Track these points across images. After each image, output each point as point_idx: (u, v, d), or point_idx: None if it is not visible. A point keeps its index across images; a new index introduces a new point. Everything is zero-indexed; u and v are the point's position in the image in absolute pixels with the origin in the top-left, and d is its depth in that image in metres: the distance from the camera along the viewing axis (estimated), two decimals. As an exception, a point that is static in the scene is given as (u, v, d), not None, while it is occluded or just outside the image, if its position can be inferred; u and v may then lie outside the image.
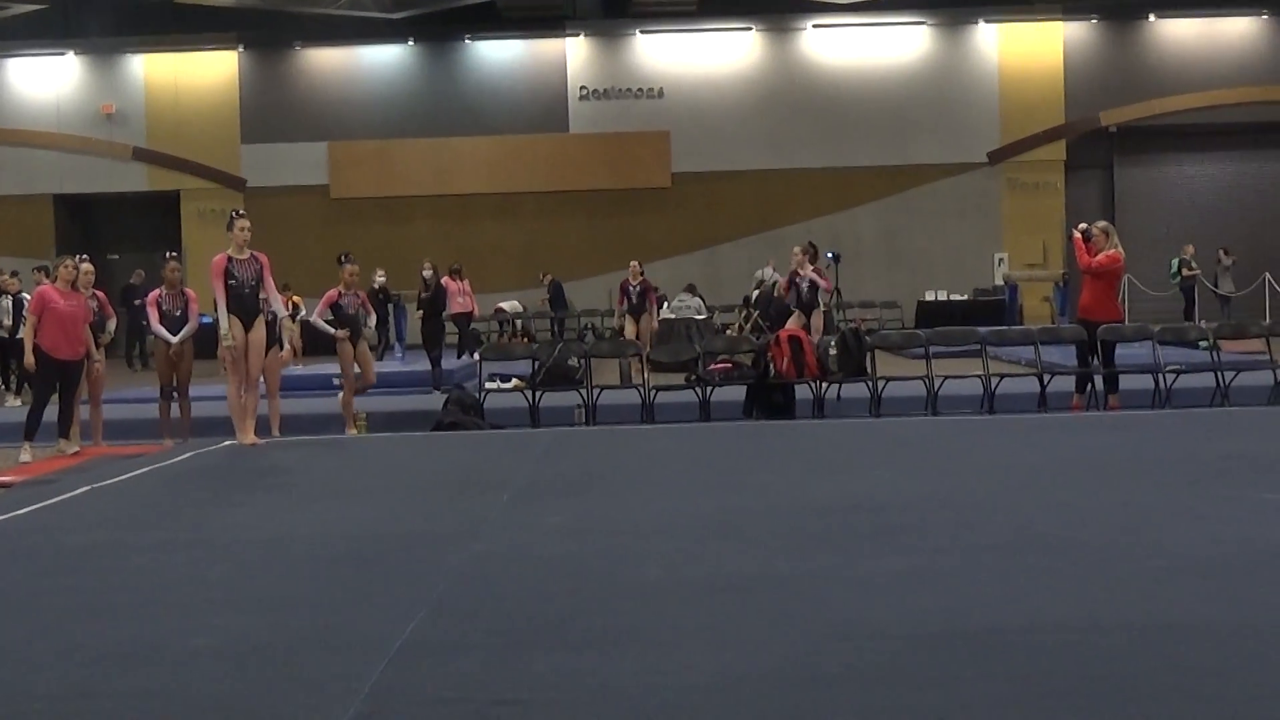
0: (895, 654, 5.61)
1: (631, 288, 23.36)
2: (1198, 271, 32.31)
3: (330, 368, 19.78)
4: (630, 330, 22.94)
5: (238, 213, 14.44)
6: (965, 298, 35.23)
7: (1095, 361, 16.54)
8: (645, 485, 10.76)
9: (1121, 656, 5.52)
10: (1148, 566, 7.16)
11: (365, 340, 16.73)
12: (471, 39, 37.34)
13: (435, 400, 18.23)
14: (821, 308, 18.08)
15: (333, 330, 16.44)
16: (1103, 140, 37.51)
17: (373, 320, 17.27)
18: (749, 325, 25.44)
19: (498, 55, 37.45)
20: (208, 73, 37.51)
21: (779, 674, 5.36)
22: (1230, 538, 7.85)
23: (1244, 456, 11.24)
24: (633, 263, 23.85)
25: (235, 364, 14.09)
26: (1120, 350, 17.04)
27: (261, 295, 14.33)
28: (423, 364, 22.72)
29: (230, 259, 14.05)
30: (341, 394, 16.54)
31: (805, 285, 18.02)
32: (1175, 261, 32.49)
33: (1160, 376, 16.68)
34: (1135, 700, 4.97)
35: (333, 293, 16.64)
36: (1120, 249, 16.41)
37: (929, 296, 35.41)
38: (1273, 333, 18.76)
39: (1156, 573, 7.01)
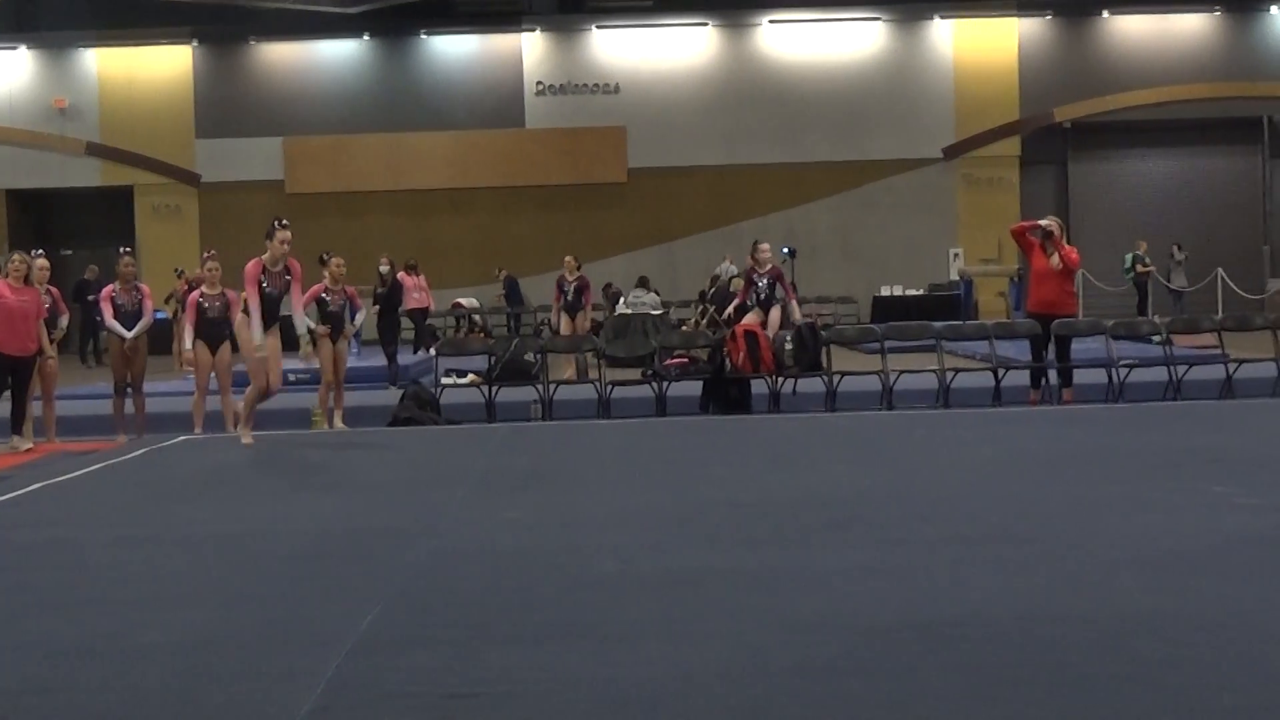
0: (849, 646, 5.65)
1: (567, 284, 22.90)
2: (1151, 267, 32.49)
3: (289, 365, 19.69)
4: (566, 328, 22.45)
5: (280, 223, 13.56)
6: (921, 293, 35.37)
7: (1049, 356, 16.64)
8: (602, 480, 10.77)
9: (1072, 646, 5.57)
10: (1100, 558, 7.22)
11: (344, 338, 16.71)
12: (427, 34, 37.27)
13: (391, 396, 18.21)
14: (778, 304, 18.06)
15: (314, 326, 16.36)
16: (1057, 136, 37.69)
17: (359, 318, 17.24)
18: (705, 320, 25.47)
19: (453, 50, 37.40)
20: (162, 67, 37.33)
21: (734, 666, 5.39)
22: (1181, 530, 7.92)
23: (1196, 450, 11.33)
24: (568, 258, 23.36)
25: (257, 371, 13.48)
26: (1074, 345, 17.14)
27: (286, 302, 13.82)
28: (379, 360, 22.68)
29: (265, 268, 13.30)
30: (319, 390, 16.54)
31: (764, 283, 18.03)
32: (1129, 257, 32.67)
33: (1114, 371, 16.79)
34: (1085, 689, 5.02)
35: (317, 287, 16.59)
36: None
37: (884, 291, 35.54)
38: (1224, 327, 18.90)
39: (1108, 564, 7.07)
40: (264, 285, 13.24)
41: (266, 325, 13.35)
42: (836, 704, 4.94)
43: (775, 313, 17.99)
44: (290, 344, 14.16)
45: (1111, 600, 6.34)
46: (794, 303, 18.45)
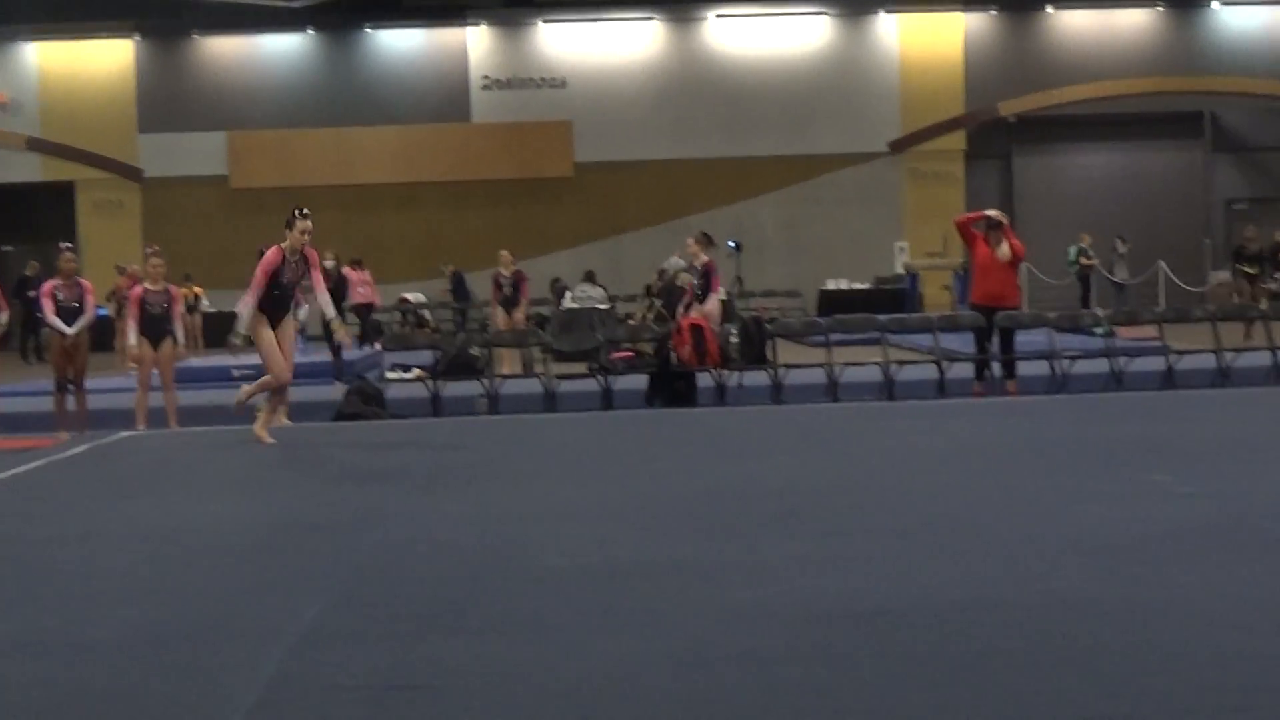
0: (791, 635, 5.68)
1: (504, 279, 22.66)
2: (1095, 260, 32.70)
3: (229, 359, 19.62)
4: (503, 323, 22.20)
5: (301, 212, 13.08)
6: (867, 286, 35.50)
7: (993, 348, 16.74)
8: (547, 473, 10.78)
9: (1012, 633, 5.63)
10: (1040, 547, 7.28)
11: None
12: (372, 28, 37.16)
13: (337, 391, 18.16)
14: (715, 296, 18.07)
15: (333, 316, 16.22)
16: (1002, 130, 37.90)
17: (303, 312, 17.15)
18: (651, 314, 25.49)
19: (399, 44, 37.30)
20: (103, 61, 37.09)
21: (676, 657, 5.41)
22: (1121, 519, 7.99)
23: (1136, 439, 11.42)
24: (503, 252, 23.06)
25: (273, 358, 13.04)
26: (1018, 337, 17.25)
27: (305, 288, 13.52)
28: (324, 355, 22.61)
29: (284, 257, 12.86)
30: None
31: (698, 274, 18.07)
32: (1073, 250, 32.87)
33: (1057, 363, 16.90)
34: (1022, 675, 5.07)
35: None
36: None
37: (831, 285, 35.66)
38: (1165, 319, 19.07)
39: (1049, 553, 7.13)
40: (282, 275, 12.85)
41: (282, 314, 13.01)
42: (777, 692, 4.97)
43: (711, 304, 18.03)
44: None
45: (1051, 588, 6.40)
46: (714, 295, 18.47)
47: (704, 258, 18.16)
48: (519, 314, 22.40)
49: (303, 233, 12.90)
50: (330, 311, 13.51)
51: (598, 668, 5.31)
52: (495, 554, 7.55)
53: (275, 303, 12.91)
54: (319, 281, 13.21)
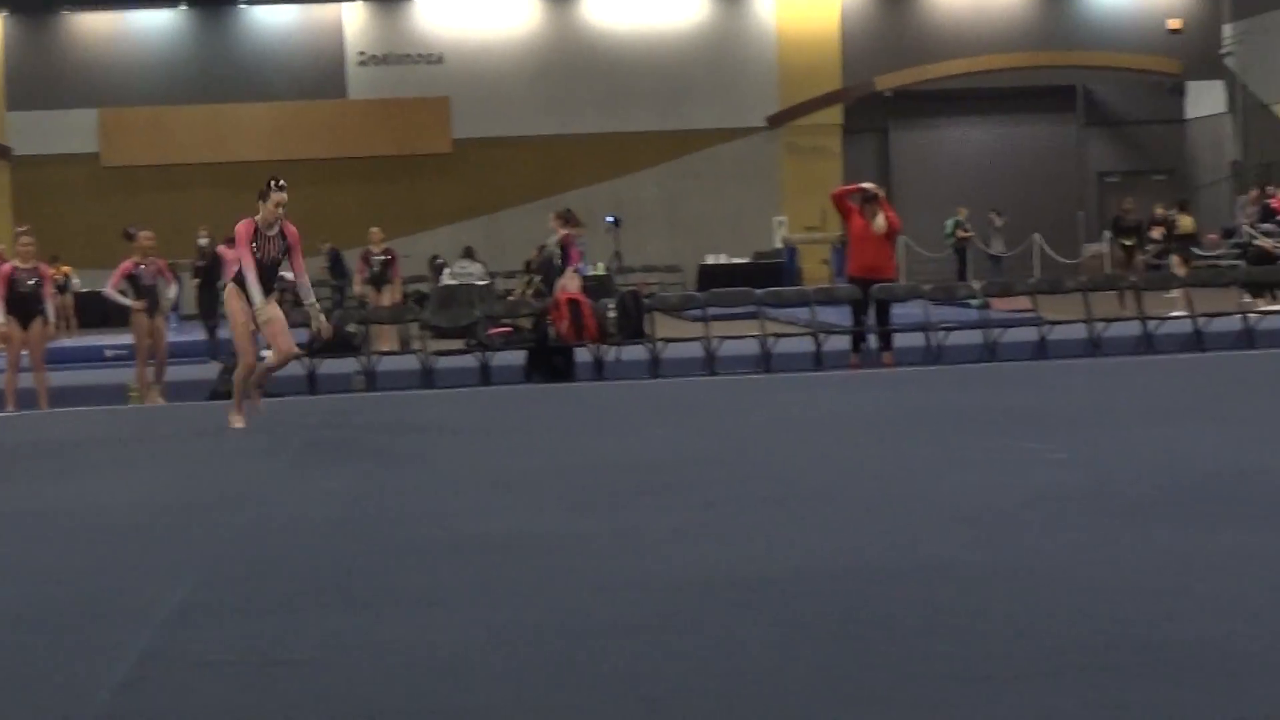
0: (665, 604, 5.71)
1: (375, 257, 22.17)
2: (971, 233, 33.03)
3: (102, 339, 19.38)
4: (373, 300, 21.83)
5: (277, 184, 12.07)
6: (746, 260, 35.60)
7: (869, 320, 16.87)
8: (424, 449, 10.75)
9: (885, 599, 5.69)
10: (916, 514, 7.37)
11: (161, 313, 16.41)
12: (246, 4, 36.72)
13: (211, 370, 17.96)
14: (572, 272, 18.00)
15: (128, 301, 16.05)
16: (878, 104, 38.11)
17: (173, 290, 16.94)
18: (531, 290, 25.43)
19: (274, 20, 36.89)
20: (-29, 38, 36.38)
21: (550, 627, 5.42)
22: (994, 486, 8.11)
23: (1008, 409, 11.58)
24: (373, 230, 22.60)
25: (246, 347, 12.29)
26: (894, 309, 17.40)
27: (283, 272, 12.63)
28: (198, 333, 22.37)
29: (257, 230, 11.91)
30: (135, 366, 16.27)
31: (557, 250, 18.05)
32: (949, 223, 33.18)
33: (932, 334, 17.06)
34: (896, 640, 5.13)
35: (128, 263, 16.23)
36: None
37: (710, 260, 35.71)
38: (1038, 290, 19.31)
39: (922, 520, 7.22)
40: (255, 250, 11.91)
41: (267, 288, 12.11)
42: (648, 660, 4.99)
43: (570, 279, 18.05)
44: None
45: (926, 554, 6.48)
46: (570, 269, 18.46)
47: (562, 233, 18.10)
48: (391, 292, 22.07)
49: (277, 205, 11.90)
50: (309, 298, 12.61)
51: (469, 639, 5.31)
52: (372, 528, 7.52)
53: (260, 279, 11.97)
54: (299, 265, 12.34)
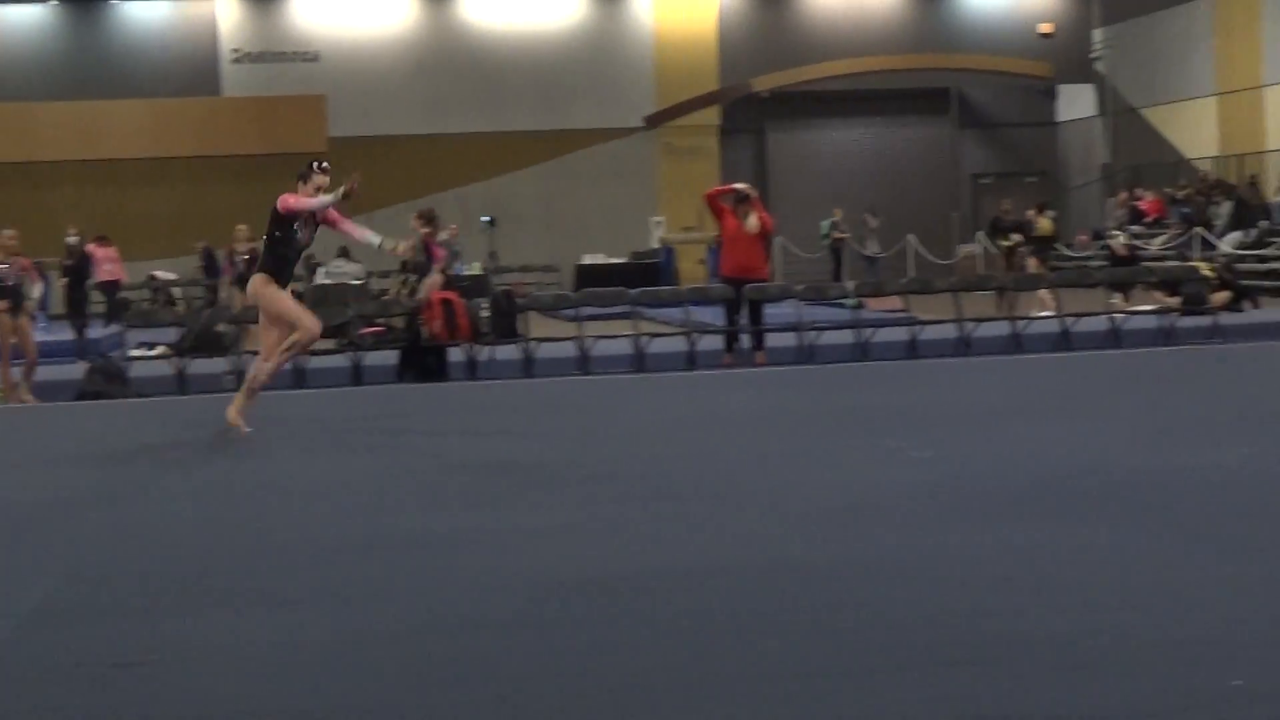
0: (529, 601, 5.72)
1: (239, 256, 21.66)
2: (846, 234, 33.28)
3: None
4: (238, 301, 21.36)
5: (320, 165, 11.53)
6: (623, 260, 35.62)
7: (742, 320, 16.94)
8: (292, 450, 10.67)
9: (740, 596, 5.73)
10: (783, 511, 7.45)
11: (25, 312, 16.12)
12: (118, -1, 36.26)
13: (79, 370, 17.69)
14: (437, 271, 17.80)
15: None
16: (755, 105, 38.29)
17: (38, 289, 16.66)
18: (406, 290, 25.27)
19: (146, 16, 36.39)
20: None
21: (408, 625, 5.41)
22: (861, 483, 8.19)
23: (877, 408, 11.68)
24: (240, 227, 21.94)
25: (300, 313, 11.47)
26: (768, 309, 17.48)
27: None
28: (66, 333, 22.02)
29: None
30: None
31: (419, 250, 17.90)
32: (825, 223, 33.39)
33: (804, 333, 17.15)
34: (755, 636, 5.17)
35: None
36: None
37: (587, 260, 35.69)
38: (910, 290, 19.49)
39: (791, 517, 7.29)
40: (295, 230, 11.35)
41: (290, 278, 11.54)
42: (507, 657, 4.99)
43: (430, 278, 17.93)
44: None
45: (783, 551, 6.53)
46: (434, 269, 18.32)
47: (423, 232, 17.97)
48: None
49: (318, 189, 11.33)
50: (374, 239, 11.84)
51: (324, 639, 5.28)
52: (232, 530, 7.45)
53: (286, 264, 11.44)
54: (352, 227, 11.81)
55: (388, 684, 4.76)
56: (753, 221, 16.83)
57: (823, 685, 4.65)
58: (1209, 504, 7.38)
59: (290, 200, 11.25)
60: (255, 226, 23.78)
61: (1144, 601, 5.52)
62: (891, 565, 6.18)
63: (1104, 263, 25.68)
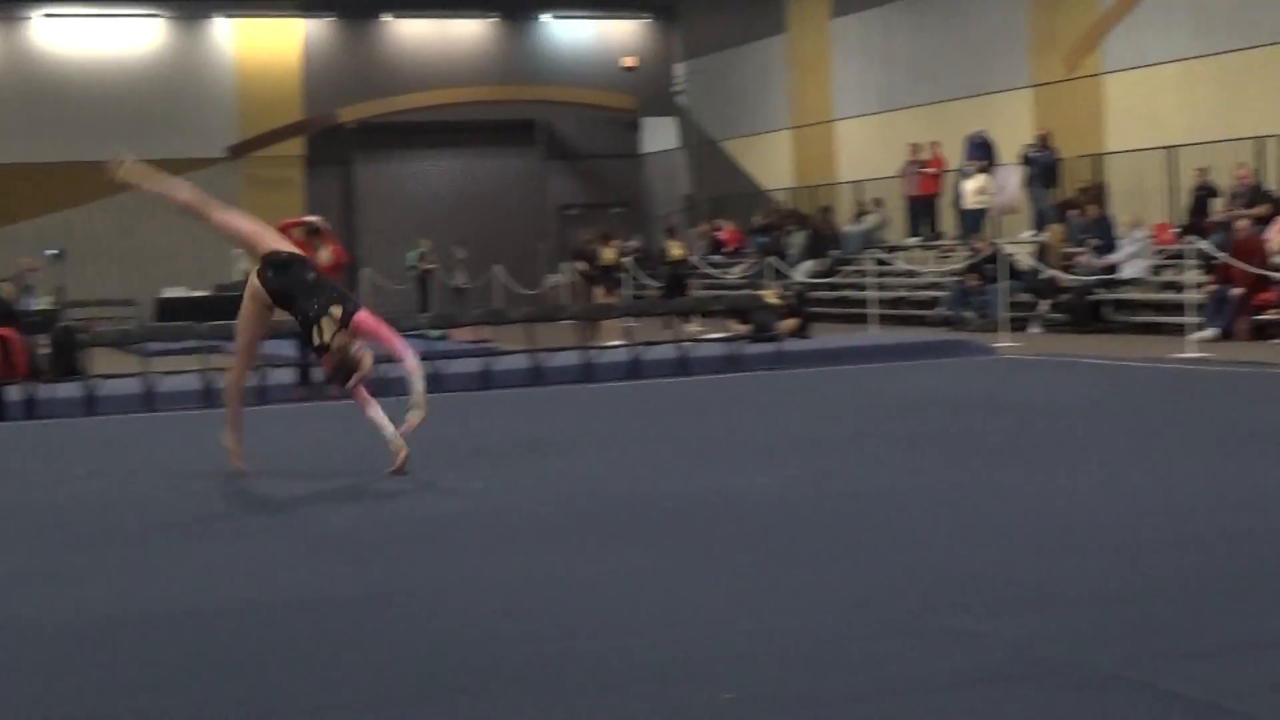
0: (41, 648, 5.52)
1: None
2: (435, 265, 33.29)
3: None
4: None
5: None
6: (207, 293, 34.86)
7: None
8: None
9: (257, 634, 5.66)
10: (297, 546, 7.43)
11: None
12: None
13: None
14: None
15: None
16: (342, 136, 38.05)
17: None
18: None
19: None
20: None
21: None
22: (391, 517, 8.28)
23: (441, 440, 11.66)
24: None
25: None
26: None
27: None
28: None
29: None
30: None
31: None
32: (413, 254, 33.36)
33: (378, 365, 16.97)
34: (258, 674, 5.12)
35: None
36: None
37: (169, 293, 34.81)
38: (486, 321, 19.66)
39: (316, 548, 7.28)
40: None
41: None
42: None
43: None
44: None
45: (305, 587, 6.48)
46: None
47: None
48: None
49: None
50: None
51: None
52: None
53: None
54: None
55: None
56: (325, 254, 16.63)
57: (333, 718, 4.63)
58: (739, 525, 7.61)
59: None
60: None
61: (652, 621, 5.65)
62: (412, 596, 6.25)
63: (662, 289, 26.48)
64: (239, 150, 36.86)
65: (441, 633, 5.56)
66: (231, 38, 37.07)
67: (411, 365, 9.85)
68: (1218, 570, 6.21)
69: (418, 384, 9.83)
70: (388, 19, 38.45)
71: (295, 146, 37.39)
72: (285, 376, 16.74)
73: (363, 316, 9.67)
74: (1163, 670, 4.79)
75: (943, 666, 4.92)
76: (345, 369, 9.57)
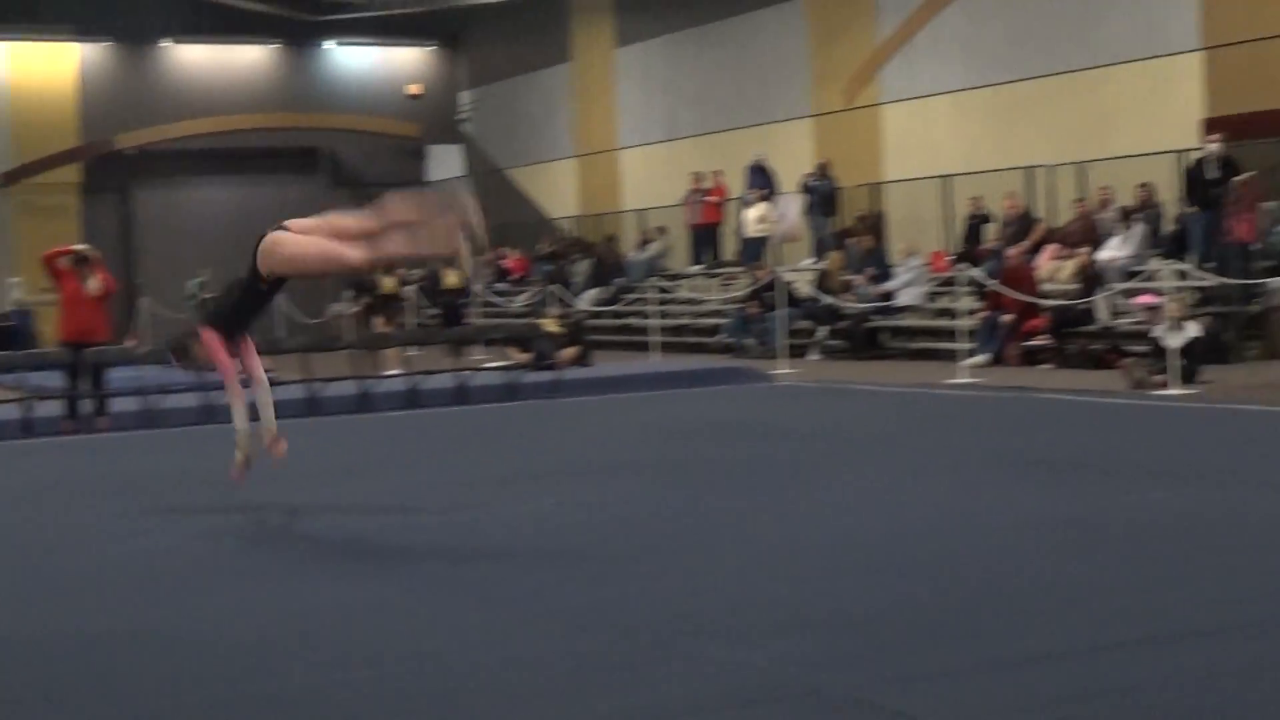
0: None
1: None
2: (213, 295, 32.81)
3: None
4: None
5: None
6: (-25, 323, 33.94)
7: (84, 384, 16.34)
8: None
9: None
10: (74, 581, 7.25)
11: None
12: None
13: None
14: None
15: None
16: (120, 163, 37.29)
17: None
18: None
19: None
20: None
21: None
22: (161, 550, 8.06)
23: (212, 471, 11.49)
24: None
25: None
26: (117, 372, 16.96)
27: None
28: None
29: None
30: None
31: None
32: (193, 284, 32.86)
33: (147, 397, 16.63)
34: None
35: None
36: None
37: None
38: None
39: (74, 586, 7.11)
40: None
41: None
42: None
43: None
44: None
45: (56, 624, 6.34)
46: None
47: None
48: None
49: None
50: None
51: None
52: None
53: None
54: None
55: None
56: (94, 284, 16.30)
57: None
58: (502, 552, 7.63)
59: None
60: None
61: (404, 652, 5.63)
62: (158, 632, 6.14)
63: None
64: (11, 178, 35.95)
65: (177, 671, 5.50)
66: (4, 61, 36.16)
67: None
68: (961, 592, 6.36)
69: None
70: (167, 44, 37.80)
71: (71, 174, 36.58)
72: (53, 409, 16.29)
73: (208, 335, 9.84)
74: (894, 693, 4.88)
75: (687, 693, 4.96)
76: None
